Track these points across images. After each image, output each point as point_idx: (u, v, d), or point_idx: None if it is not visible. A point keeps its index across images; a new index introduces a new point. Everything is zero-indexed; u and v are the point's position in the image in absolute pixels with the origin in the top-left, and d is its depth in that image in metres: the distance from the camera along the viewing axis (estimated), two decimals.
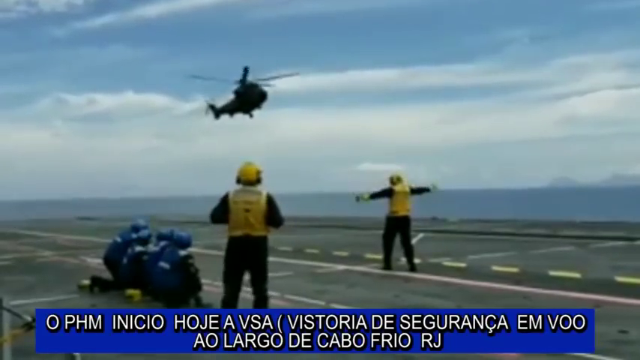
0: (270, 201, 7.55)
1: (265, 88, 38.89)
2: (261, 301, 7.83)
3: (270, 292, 10.20)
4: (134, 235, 10.98)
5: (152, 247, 10.49)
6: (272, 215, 7.54)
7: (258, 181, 7.69)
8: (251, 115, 39.92)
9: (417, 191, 13.80)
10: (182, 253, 9.55)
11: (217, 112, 41.15)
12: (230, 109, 40.18)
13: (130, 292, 9.98)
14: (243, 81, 38.89)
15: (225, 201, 7.58)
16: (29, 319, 4.23)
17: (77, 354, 4.18)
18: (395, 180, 13.50)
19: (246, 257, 7.59)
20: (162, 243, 10.21)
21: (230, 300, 7.71)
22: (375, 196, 13.56)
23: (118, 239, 11.27)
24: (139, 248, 10.66)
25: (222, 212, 7.59)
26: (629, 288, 10.22)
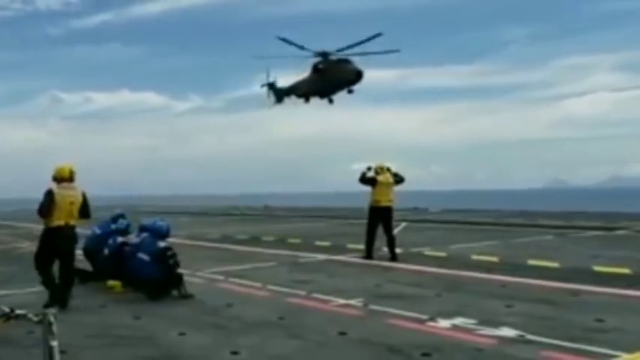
0: (85, 197, 8.87)
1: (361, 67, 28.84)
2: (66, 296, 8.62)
3: (251, 283, 10.28)
4: (113, 226, 10.91)
5: (133, 238, 10.41)
6: (85, 208, 8.87)
7: (71, 179, 8.80)
8: (331, 101, 30.33)
9: (399, 181, 13.86)
10: (161, 244, 9.49)
11: (281, 94, 31.78)
12: (305, 90, 30.57)
13: (111, 283, 9.91)
14: (323, 54, 29.10)
15: (51, 196, 8.56)
16: (7, 310, 4.20)
17: (55, 344, 4.15)
18: (379, 170, 13.58)
19: (64, 243, 8.64)
20: (144, 234, 10.14)
21: (57, 285, 8.63)
22: (362, 179, 13.62)
23: (97, 230, 11.16)
24: (121, 239, 10.58)
25: (49, 205, 8.53)
26: (606, 277, 10.33)
